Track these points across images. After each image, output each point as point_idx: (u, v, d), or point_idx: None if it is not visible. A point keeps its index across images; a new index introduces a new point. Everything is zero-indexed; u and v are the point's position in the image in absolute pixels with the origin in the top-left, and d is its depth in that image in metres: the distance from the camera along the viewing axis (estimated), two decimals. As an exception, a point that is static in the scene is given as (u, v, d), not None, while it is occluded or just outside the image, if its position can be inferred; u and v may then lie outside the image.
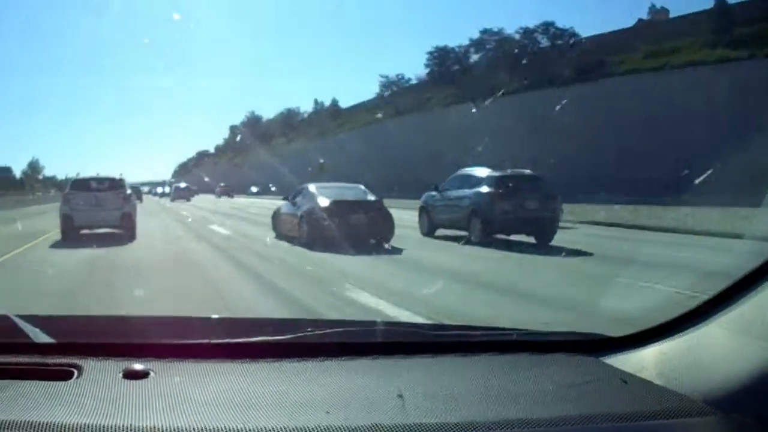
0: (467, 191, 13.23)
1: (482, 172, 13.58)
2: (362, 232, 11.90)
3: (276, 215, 14.67)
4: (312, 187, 13.44)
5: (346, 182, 15.35)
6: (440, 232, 13.98)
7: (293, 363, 1.48)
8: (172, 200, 38.89)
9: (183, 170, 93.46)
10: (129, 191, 15.07)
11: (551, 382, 1.46)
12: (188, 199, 39.35)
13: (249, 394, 1.30)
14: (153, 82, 77.15)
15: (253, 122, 77.14)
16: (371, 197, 13.15)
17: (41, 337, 1.53)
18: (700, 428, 1.28)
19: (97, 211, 14.13)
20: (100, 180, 15.14)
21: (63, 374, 1.38)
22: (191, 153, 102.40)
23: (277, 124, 72.29)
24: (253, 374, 1.43)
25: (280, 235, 13.78)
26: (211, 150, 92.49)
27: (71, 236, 13.51)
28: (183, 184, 46.43)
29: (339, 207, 12.28)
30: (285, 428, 1.15)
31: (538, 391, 1.41)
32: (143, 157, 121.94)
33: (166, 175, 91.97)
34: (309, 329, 1.64)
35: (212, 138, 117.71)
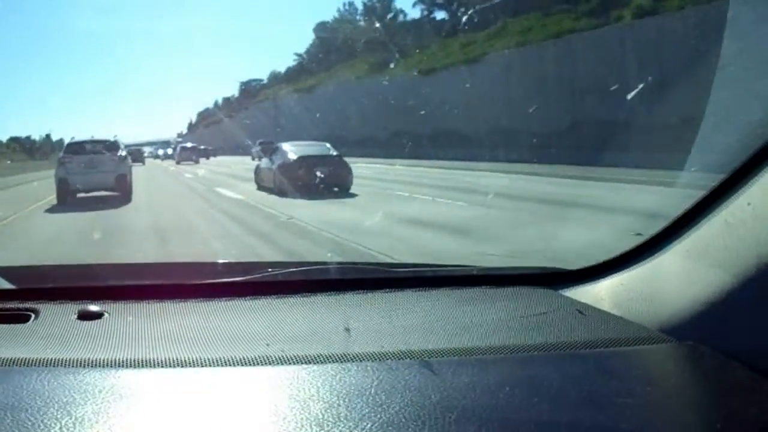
0: None
1: None
2: (325, 181, 13.79)
3: (257, 170, 17.08)
4: (285, 146, 15.95)
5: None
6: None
7: (246, 301, 1.51)
8: (178, 162, 35.53)
9: (207, 119, 62.59)
10: (124, 153, 15.35)
11: (508, 313, 1.46)
12: (197, 161, 36.17)
13: (198, 330, 1.34)
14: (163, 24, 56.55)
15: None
16: (333, 152, 15.61)
17: (1, 283, 1.58)
18: (654, 355, 1.28)
19: (92, 173, 14.38)
20: (94, 143, 15.43)
21: (21, 318, 1.43)
22: (230, 90, 70.69)
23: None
24: (205, 312, 1.45)
25: (261, 188, 16.07)
26: (264, 79, 58.13)
27: (67, 199, 13.82)
28: (189, 144, 42.33)
29: (305, 161, 14.53)
30: (222, 359, 1.18)
31: (494, 322, 1.41)
32: (157, 110, 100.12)
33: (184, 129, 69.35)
34: (267, 270, 1.65)
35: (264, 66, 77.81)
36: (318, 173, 13.85)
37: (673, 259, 1.39)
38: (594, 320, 1.41)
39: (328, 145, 16.31)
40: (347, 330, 1.32)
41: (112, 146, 15.35)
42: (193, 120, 69.23)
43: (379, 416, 0.95)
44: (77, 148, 15.30)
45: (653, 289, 1.41)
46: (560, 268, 1.72)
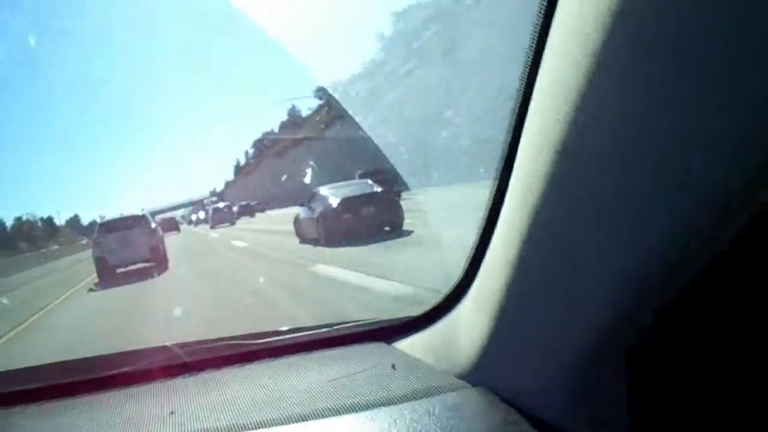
0: None
1: None
2: (374, 222, 12.71)
3: (296, 222, 15.48)
4: (323, 190, 14.50)
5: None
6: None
7: (72, 400, 1.58)
8: (212, 227, 32.27)
9: (270, 148, 43.47)
10: (153, 225, 16.31)
11: (329, 376, 1.48)
12: (233, 223, 33.28)
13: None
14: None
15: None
16: (377, 189, 14.03)
17: None
18: (448, 403, 1.30)
19: (127, 248, 15.16)
20: (124, 219, 16.38)
21: None
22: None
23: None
24: (56, 414, 1.53)
25: (304, 240, 14.67)
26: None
27: (107, 277, 14.61)
28: (221, 204, 38.21)
29: (350, 203, 13.17)
30: None
31: (309, 387, 1.44)
32: (191, 159, 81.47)
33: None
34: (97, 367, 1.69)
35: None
36: (366, 215, 12.78)
37: (467, 306, 1.42)
38: (404, 373, 1.45)
39: (369, 181, 14.83)
40: (173, 414, 1.39)
41: (142, 220, 16.28)
42: (242, 161, 49.45)
43: None
44: (109, 226, 16.17)
45: (456, 335, 1.44)
46: (392, 319, 1.74)
